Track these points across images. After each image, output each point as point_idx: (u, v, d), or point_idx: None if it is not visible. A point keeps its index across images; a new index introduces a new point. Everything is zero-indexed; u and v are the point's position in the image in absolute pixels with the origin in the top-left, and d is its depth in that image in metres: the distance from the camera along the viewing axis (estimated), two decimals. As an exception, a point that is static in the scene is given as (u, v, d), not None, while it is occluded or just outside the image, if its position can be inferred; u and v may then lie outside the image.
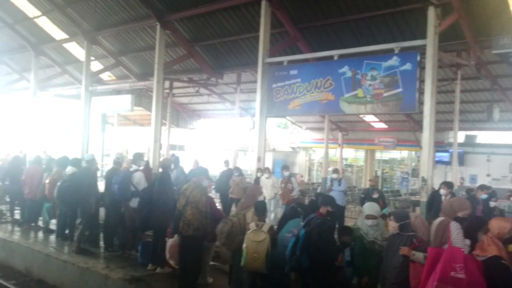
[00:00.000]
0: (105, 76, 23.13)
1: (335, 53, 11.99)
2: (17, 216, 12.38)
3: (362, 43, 12.78)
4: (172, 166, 15.68)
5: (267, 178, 13.05)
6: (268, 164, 23.00)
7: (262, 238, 6.02)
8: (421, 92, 10.39)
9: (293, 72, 12.76)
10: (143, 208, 8.18)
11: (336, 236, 6.37)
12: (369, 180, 15.93)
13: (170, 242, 7.41)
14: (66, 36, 20.92)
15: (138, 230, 8.58)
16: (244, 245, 6.09)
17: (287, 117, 29.08)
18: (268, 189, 12.88)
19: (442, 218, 5.56)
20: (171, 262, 7.49)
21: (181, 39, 17.34)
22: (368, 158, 27.80)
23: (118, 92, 21.02)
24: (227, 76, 20.37)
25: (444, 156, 21.39)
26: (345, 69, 11.62)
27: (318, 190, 17.60)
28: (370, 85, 11.05)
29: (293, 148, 31.25)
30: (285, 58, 13.14)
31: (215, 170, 29.22)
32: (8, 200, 12.59)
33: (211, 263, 8.07)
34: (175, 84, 22.71)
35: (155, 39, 16.52)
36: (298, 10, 14.10)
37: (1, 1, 20.41)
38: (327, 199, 6.30)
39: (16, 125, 32.44)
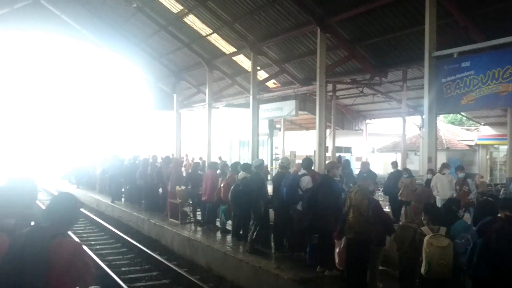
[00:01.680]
0: (270, 83, 24.20)
1: (516, 38, 10.70)
2: (198, 217, 13.64)
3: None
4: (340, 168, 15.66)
5: (444, 174, 12.01)
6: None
7: (447, 243, 5.62)
8: None
9: (465, 64, 11.74)
10: (308, 210, 8.31)
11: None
12: None
13: (338, 243, 7.37)
14: (234, 50, 22.50)
15: (305, 232, 8.73)
16: (426, 251, 5.73)
17: (462, 113, 26.87)
18: (445, 186, 11.86)
19: None
20: (340, 267, 7.45)
21: (342, 41, 17.27)
22: None
23: (283, 98, 21.87)
24: (391, 74, 19.67)
25: None
26: (529, 55, 10.30)
27: (501, 193, 15.80)
28: (561, 71, 9.60)
29: (470, 146, 28.70)
30: (454, 50, 12.16)
31: (383, 171, 28.36)
32: (191, 202, 13.90)
33: (381, 268, 7.82)
34: (338, 86, 22.70)
35: (316, 43, 16.75)
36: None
37: (180, 25, 22.88)
38: (507, 202, 5.60)
39: (196, 135, 35.92)
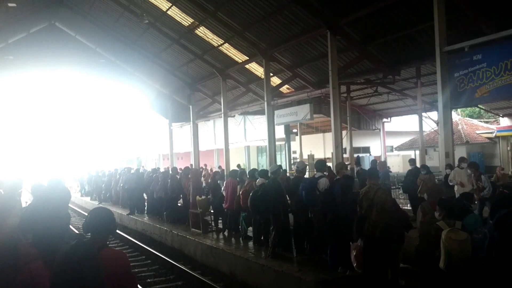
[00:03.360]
0: (284, 89, 24.33)
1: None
2: (220, 225, 13.80)
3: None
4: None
5: (462, 168, 11.95)
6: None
7: (465, 237, 5.67)
8: None
9: (477, 57, 11.70)
10: (327, 212, 8.39)
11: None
12: None
13: (353, 246, 7.41)
14: (247, 58, 22.72)
15: (325, 234, 8.79)
16: (445, 245, 5.75)
17: (479, 106, 26.56)
18: (464, 180, 11.79)
19: None
20: (356, 267, 7.48)
21: (352, 42, 17.33)
22: None
23: (298, 102, 21.98)
24: (405, 72, 19.64)
25: None
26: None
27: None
28: None
29: (490, 138, 28.32)
30: (465, 44, 12.11)
31: (403, 169, 28.19)
32: (212, 211, 14.07)
33: (401, 265, 7.84)
34: (352, 86, 22.71)
35: (327, 46, 16.83)
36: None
37: (192, 37, 23.22)
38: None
39: (214, 144, 36.21)
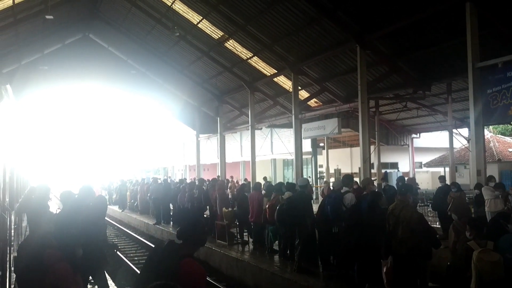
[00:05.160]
0: (312, 102, 24.28)
1: None
2: (245, 238, 13.77)
3: None
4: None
5: (493, 187, 11.62)
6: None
7: (497, 258, 5.51)
8: None
9: (511, 73, 11.47)
10: (352, 228, 8.30)
11: None
12: None
13: (384, 263, 7.30)
14: (275, 71, 22.83)
15: (353, 250, 8.69)
16: (476, 267, 5.60)
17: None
18: (496, 199, 11.40)
19: None
20: (386, 284, 7.36)
21: (382, 56, 17.23)
22: None
23: (326, 116, 21.91)
24: (435, 87, 19.37)
25: None
26: None
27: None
28: None
29: (523, 156, 27.53)
30: (499, 60, 11.90)
31: (432, 186, 27.66)
32: (237, 223, 14.07)
33: (431, 285, 7.68)
34: (381, 101, 22.51)
35: (356, 60, 16.77)
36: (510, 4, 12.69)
37: (221, 50, 23.49)
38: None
39: (240, 156, 36.32)
